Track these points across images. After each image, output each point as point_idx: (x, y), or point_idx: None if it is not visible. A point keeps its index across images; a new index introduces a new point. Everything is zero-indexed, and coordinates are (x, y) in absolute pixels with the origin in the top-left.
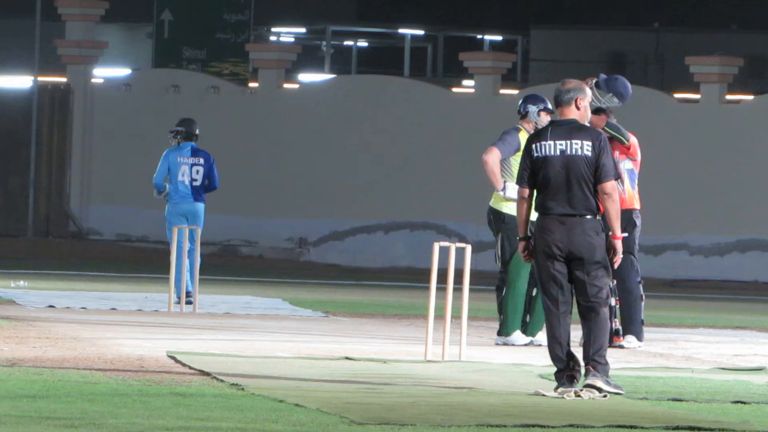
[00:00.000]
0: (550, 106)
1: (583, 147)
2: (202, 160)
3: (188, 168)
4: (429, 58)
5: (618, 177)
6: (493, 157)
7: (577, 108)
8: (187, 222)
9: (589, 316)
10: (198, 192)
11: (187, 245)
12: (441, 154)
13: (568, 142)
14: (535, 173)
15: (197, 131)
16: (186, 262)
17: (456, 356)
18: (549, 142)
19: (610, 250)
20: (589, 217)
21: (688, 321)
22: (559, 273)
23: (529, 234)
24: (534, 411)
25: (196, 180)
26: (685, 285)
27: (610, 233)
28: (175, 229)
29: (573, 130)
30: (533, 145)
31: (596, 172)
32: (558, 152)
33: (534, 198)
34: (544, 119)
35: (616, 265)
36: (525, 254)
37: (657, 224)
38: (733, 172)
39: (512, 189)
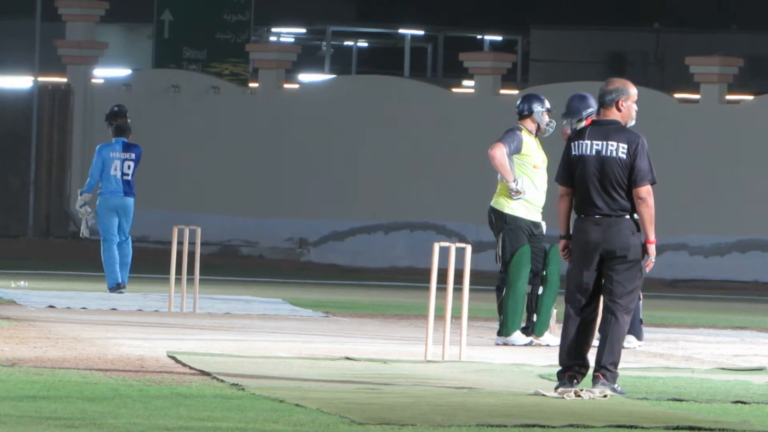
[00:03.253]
0: (548, 105)
1: (618, 149)
2: (133, 155)
3: (120, 163)
4: (429, 58)
5: (654, 181)
6: (500, 151)
7: (618, 109)
8: (117, 216)
9: (608, 318)
10: (128, 186)
11: (116, 238)
12: (441, 154)
13: (605, 142)
14: (572, 172)
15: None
16: (116, 254)
17: (456, 356)
18: (586, 141)
19: (644, 254)
20: (626, 216)
21: (688, 321)
22: (587, 281)
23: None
24: (534, 411)
25: (127, 174)
26: (685, 285)
27: (645, 238)
28: (175, 229)
29: (611, 131)
30: (572, 144)
31: (631, 175)
32: (594, 152)
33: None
34: (547, 119)
35: (648, 269)
36: (565, 253)
37: (657, 224)
38: (733, 172)
39: (523, 182)
